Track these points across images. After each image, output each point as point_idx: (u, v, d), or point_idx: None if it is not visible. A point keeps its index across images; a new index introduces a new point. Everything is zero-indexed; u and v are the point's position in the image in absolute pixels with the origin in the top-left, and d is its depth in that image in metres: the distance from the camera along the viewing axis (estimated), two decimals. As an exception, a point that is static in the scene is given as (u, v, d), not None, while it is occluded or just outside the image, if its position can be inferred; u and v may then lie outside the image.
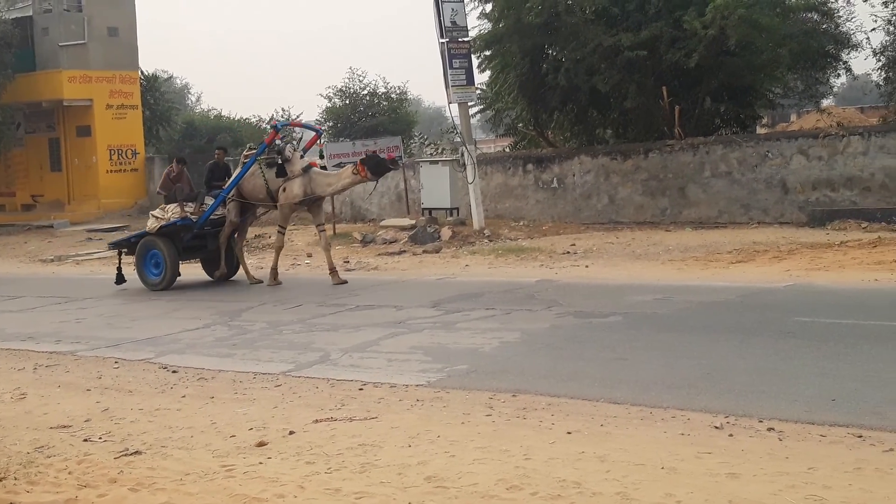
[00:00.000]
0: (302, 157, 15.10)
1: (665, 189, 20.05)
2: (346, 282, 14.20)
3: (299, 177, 14.49)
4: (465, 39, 19.98)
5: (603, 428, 6.18)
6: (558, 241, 17.76)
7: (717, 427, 6.08)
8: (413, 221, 20.57)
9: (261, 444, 6.08)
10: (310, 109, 51.34)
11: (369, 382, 7.98)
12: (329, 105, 33.50)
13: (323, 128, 34.32)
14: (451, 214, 21.20)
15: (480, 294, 12.42)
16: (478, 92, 24.04)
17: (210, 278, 15.79)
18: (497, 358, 8.67)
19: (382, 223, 22.03)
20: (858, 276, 11.73)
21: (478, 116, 29.63)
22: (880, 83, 25.27)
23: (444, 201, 20.72)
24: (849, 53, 22.18)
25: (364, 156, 14.66)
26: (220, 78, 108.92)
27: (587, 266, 14.51)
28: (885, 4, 23.16)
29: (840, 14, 21.83)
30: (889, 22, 23.36)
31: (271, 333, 10.70)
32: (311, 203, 14.80)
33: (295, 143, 15.09)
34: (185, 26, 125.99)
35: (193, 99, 55.09)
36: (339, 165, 23.98)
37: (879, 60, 23.88)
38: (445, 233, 18.90)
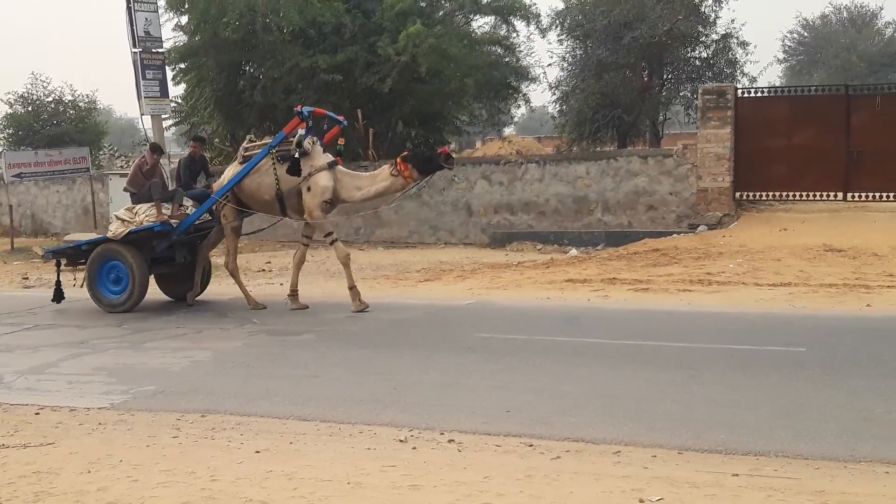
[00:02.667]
0: (323, 151, 12.37)
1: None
2: (307, 307, 12.05)
3: (325, 170, 11.98)
4: (160, 51, 19.46)
5: (292, 445, 6.24)
6: (254, 259, 17.68)
7: (401, 440, 6.32)
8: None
9: (-81, 478, 5.59)
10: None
11: (47, 406, 7.55)
12: (10, 112, 31.26)
13: (2, 134, 31.95)
14: (143, 230, 20.44)
15: (171, 312, 12.10)
16: (173, 105, 23.50)
17: (170, 298, 13.33)
18: (187, 378, 8.49)
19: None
20: (533, 294, 12.62)
21: (172, 129, 28.86)
22: (555, 115, 27.50)
23: (135, 216, 19.88)
24: (528, 86, 24.05)
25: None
26: None
27: (282, 284, 14.55)
28: (560, 42, 25.33)
29: (521, 49, 23.61)
30: (563, 59, 25.53)
31: (-66, 356, 9.83)
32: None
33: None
34: None
35: None
36: (19, 177, 22.52)
37: (554, 94, 26.07)
38: (135, 249, 18.17)
